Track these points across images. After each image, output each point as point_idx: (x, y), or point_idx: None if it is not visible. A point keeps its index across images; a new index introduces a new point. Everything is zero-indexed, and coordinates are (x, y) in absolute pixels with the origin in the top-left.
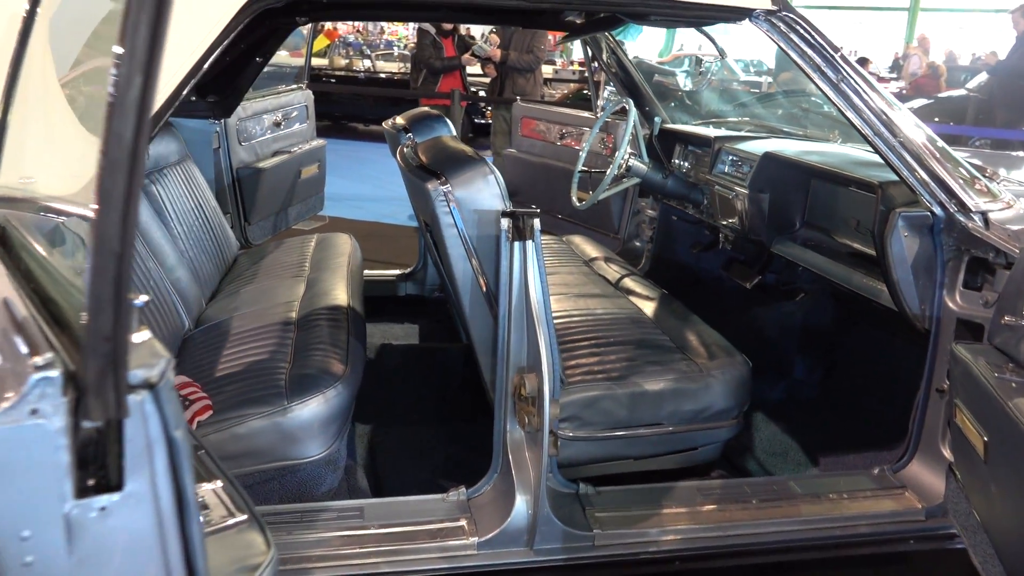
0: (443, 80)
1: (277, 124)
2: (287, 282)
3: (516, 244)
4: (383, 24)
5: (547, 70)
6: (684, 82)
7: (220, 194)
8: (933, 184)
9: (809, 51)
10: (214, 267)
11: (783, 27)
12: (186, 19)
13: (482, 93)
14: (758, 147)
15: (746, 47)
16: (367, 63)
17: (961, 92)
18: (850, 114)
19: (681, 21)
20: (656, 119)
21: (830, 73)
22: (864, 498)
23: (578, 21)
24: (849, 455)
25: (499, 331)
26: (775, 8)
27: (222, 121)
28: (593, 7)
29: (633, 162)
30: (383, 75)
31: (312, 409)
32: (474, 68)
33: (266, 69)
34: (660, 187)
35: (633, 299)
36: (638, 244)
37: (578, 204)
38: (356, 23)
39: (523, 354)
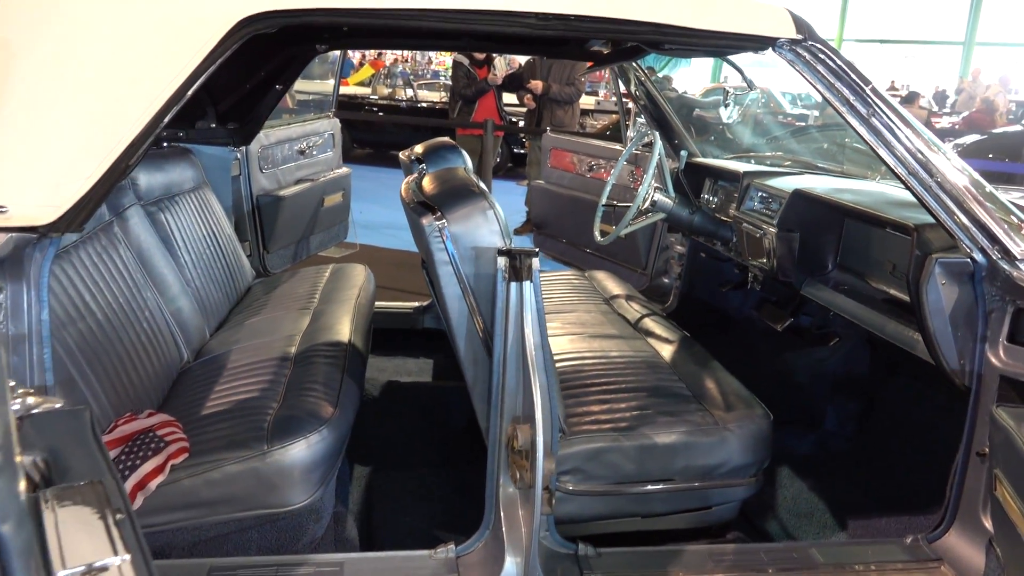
0: (479, 110)
1: (302, 152)
2: (293, 314)
3: (512, 284)
4: (431, 54)
5: (589, 101)
6: (724, 115)
7: (239, 221)
8: (974, 228)
9: (837, 83)
10: (223, 296)
11: (809, 57)
12: (167, 44)
13: (521, 123)
14: (789, 183)
15: (795, 80)
16: (410, 92)
17: (1018, 128)
18: (882, 151)
19: (701, 51)
20: (683, 152)
21: (860, 107)
22: (895, 571)
23: (604, 51)
24: (881, 519)
25: (493, 377)
26: (800, 37)
27: (244, 148)
28: (605, 35)
29: (658, 196)
30: (424, 104)
31: (294, 454)
32: (511, 98)
33: (304, 97)
34: (687, 223)
35: (652, 341)
36: (666, 281)
37: (600, 239)
38: (404, 53)
39: (518, 402)
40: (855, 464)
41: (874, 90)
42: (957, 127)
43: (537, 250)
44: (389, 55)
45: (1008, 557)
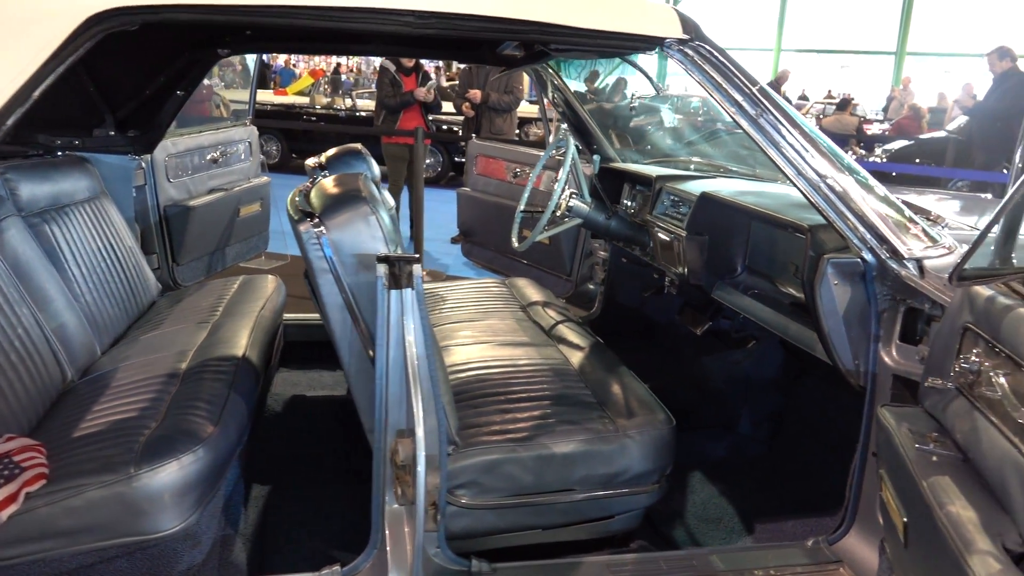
0: (404, 117)
1: (214, 161)
2: (190, 328)
3: (393, 292)
4: (376, 63)
5: (532, 109)
6: (666, 119)
7: (146, 233)
8: (862, 228)
9: (725, 84)
10: (121, 311)
11: (696, 57)
12: (7, 40)
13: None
14: (699, 187)
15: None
16: (349, 102)
17: (941, 133)
18: (771, 152)
19: (590, 52)
20: (595, 157)
21: (748, 107)
22: (794, 575)
23: (518, 55)
24: (789, 522)
25: (376, 389)
26: (687, 37)
27: (149, 157)
28: (487, 34)
29: (574, 202)
30: (364, 113)
31: (163, 477)
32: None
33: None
34: (603, 228)
35: (563, 348)
36: (591, 287)
37: (516, 245)
38: (352, 63)
39: (402, 415)
40: (767, 467)
41: (761, 90)
42: (887, 133)
43: (418, 256)
44: (337, 64)
45: (894, 557)
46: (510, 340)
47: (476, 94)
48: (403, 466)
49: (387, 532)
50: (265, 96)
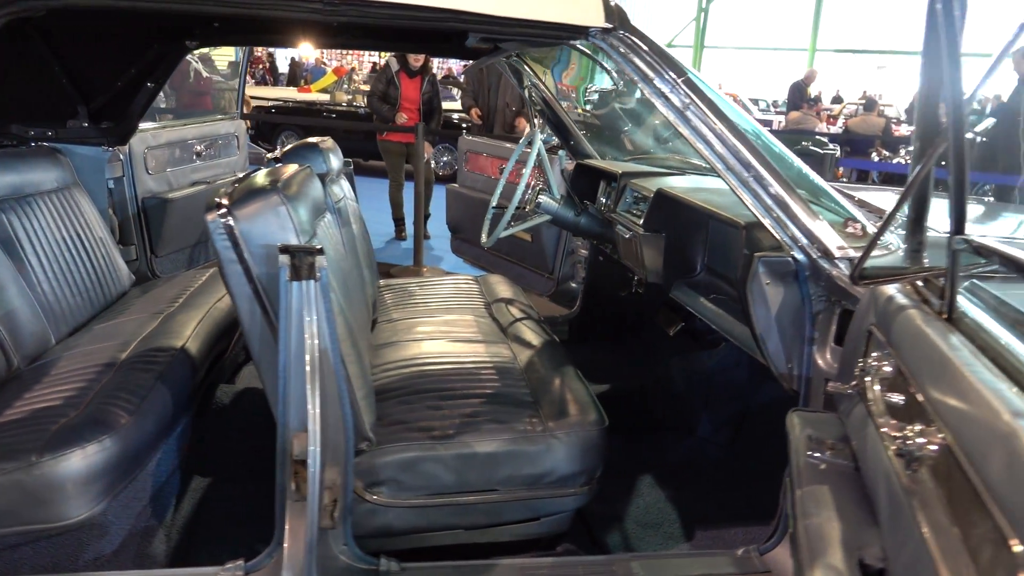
0: (401, 114)
1: (198, 154)
2: (144, 318)
3: (295, 284)
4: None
5: None
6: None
7: (124, 224)
8: (792, 226)
9: (650, 74)
10: (83, 301)
11: (622, 47)
12: None
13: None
14: (658, 184)
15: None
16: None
17: (968, 135)
18: (699, 144)
19: (513, 42)
20: (560, 153)
21: (674, 99)
22: None
23: (484, 47)
24: (732, 530)
25: (279, 382)
26: (610, 26)
27: (127, 148)
28: (401, 22)
29: (543, 198)
30: None
31: (66, 466)
32: (450, 105)
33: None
34: (573, 225)
35: (515, 346)
36: (573, 285)
37: (484, 240)
38: (375, 61)
39: (302, 409)
40: (722, 472)
41: (688, 82)
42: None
43: (321, 247)
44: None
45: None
46: (462, 337)
47: (475, 114)
48: (300, 461)
49: (287, 528)
50: (287, 93)
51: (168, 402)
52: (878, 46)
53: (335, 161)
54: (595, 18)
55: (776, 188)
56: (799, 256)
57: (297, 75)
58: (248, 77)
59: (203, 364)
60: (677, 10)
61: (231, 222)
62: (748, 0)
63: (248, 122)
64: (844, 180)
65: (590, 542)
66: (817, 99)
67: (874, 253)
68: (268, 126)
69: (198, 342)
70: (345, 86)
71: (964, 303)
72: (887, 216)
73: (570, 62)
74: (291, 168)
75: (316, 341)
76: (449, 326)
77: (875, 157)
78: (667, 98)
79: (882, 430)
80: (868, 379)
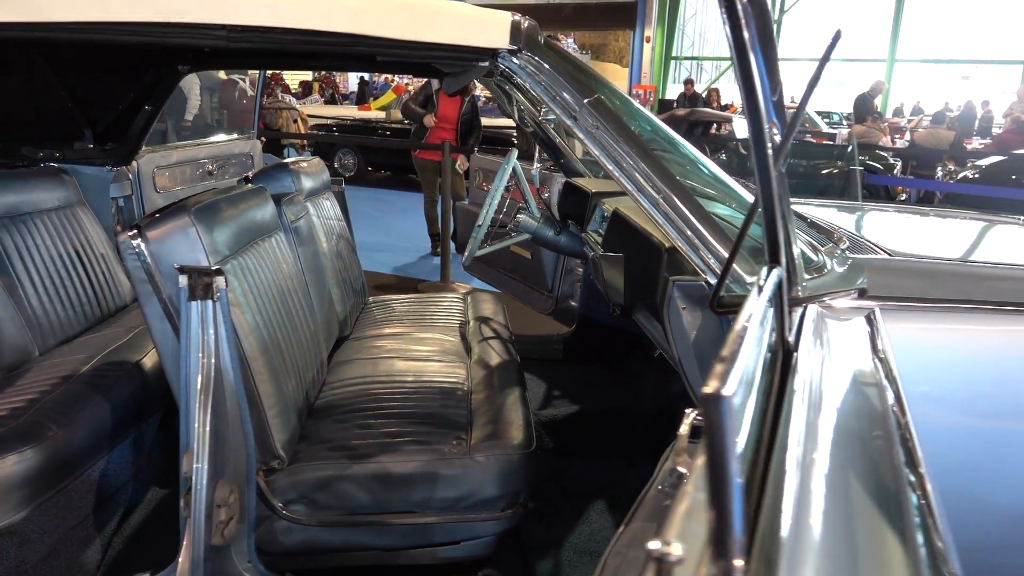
0: (433, 132)
1: (210, 173)
2: (120, 332)
3: (193, 304)
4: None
5: None
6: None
7: None
8: (705, 250)
9: (557, 95)
10: (76, 315)
11: (530, 68)
12: None
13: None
14: (621, 202)
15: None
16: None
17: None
18: (610, 166)
19: (419, 64)
20: (533, 172)
21: (582, 120)
22: None
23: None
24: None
25: (181, 400)
26: (515, 47)
27: (136, 167)
28: (301, 48)
29: (522, 216)
30: None
31: None
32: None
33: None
34: (553, 244)
35: (474, 367)
36: (573, 304)
37: (463, 259)
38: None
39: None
40: None
41: (596, 103)
42: (984, 147)
43: (218, 268)
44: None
45: None
46: (421, 356)
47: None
48: (188, 478)
49: (183, 544)
50: (346, 111)
51: (107, 415)
52: (963, 55)
53: (309, 182)
54: (500, 40)
55: (686, 212)
56: (712, 280)
57: (366, 93)
58: (318, 96)
59: (158, 378)
60: None
61: (141, 243)
62: (824, 11)
63: (304, 142)
64: (904, 199)
65: (520, 568)
66: (882, 112)
67: (808, 276)
68: (326, 144)
69: (156, 357)
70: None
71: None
72: (732, 252)
73: None
74: (231, 190)
75: (214, 360)
76: (414, 344)
77: (939, 173)
78: (575, 119)
79: None
80: None
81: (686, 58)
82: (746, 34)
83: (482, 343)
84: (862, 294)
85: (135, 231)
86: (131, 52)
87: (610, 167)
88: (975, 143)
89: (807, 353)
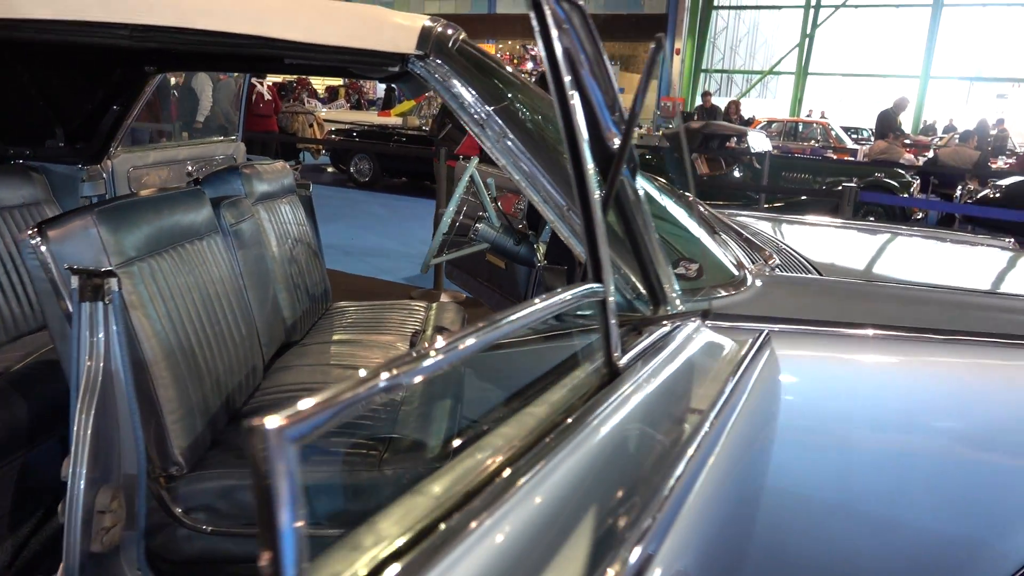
0: (467, 143)
1: (189, 174)
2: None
3: (84, 305)
4: None
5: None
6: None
7: None
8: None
9: (466, 102)
10: (31, 313)
11: (438, 74)
12: None
13: None
14: None
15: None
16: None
17: None
18: (516, 176)
19: (329, 67)
20: (489, 180)
21: (488, 128)
22: None
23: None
24: None
25: (70, 404)
26: (421, 53)
27: (110, 166)
28: (211, 48)
29: (480, 225)
30: None
31: None
32: None
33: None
34: (513, 254)
35: None
36: None
37: (422, 265)
38: None
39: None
40: None
41: (504, 111)
42: (1008, 167)
43: (111, 269)
44: None
45: None
46: (361, 362)
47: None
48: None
49: (63, 550)
50: (365, 117)
51: (25, 414)
52: (999, 74)
53: (263, 186)
54: (406, 45)
55: (591, 224)
56: (613, 296)
57: (393, 99)
58: (344, 101)
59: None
60: (783, 37)
61: (41, 243)
62: (857, 27)
63: (320, 147)
64: (919, 219)
65: None
66: (904, 129)
67: (724, 292)
68: (343, 149)
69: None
70: (422, 111)
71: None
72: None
73: None
74: (162, 192)
75: (102, 363)
76: (360, 350)
77: (958, 193)
78: (482, 126)
79: None
80: None
81: (716, 71)
82: (557, 46)
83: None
84: (705, 315)
85: (36, 230)
86: (99, 52)
87: (516, 177)
88: (1000, 163)
89: (633, 375)
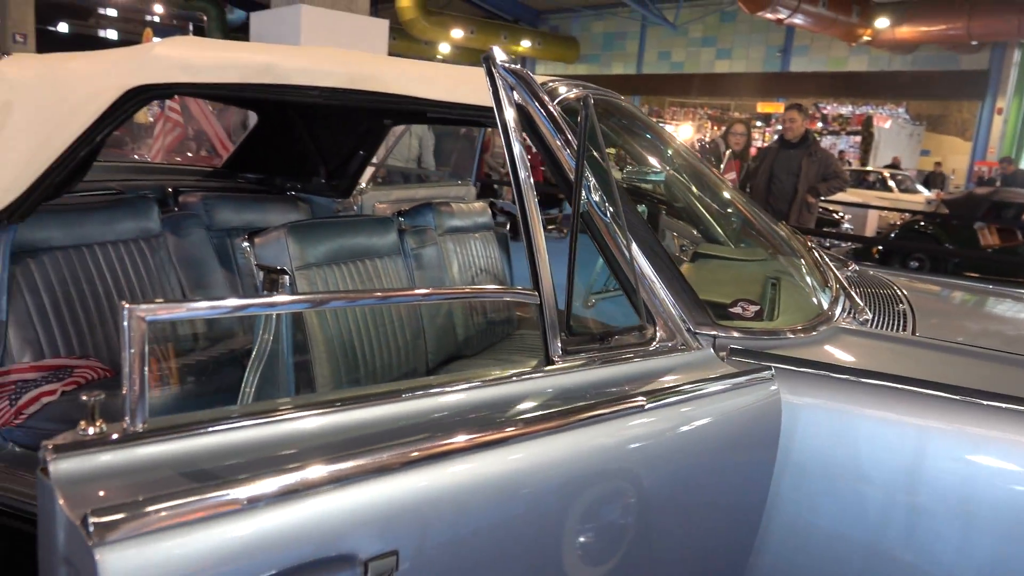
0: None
1: None
2: None
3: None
4: None
5: None
6: None
7: None
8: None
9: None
10: None
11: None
12: (79, 105)
13: None
14: None
15: None
16: None
17: None
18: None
19: (454, 121)
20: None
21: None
22: None
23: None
24: None
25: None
26: None
27: (360, 200)
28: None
29: None
30: None
31: None
32: None
33: None
34: None
35: None
36: None
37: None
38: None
39: None
40: None
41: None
42: None
43: (284, 268)
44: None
45: None
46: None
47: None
48: None
49: None
50: None
51: None
52: None
53: (455, 221)
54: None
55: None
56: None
57: None
58: None
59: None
60: None
61: (249, 247)
62: None
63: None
64: None
65: None
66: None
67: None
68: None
69: None
70: None
71: None
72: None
73: None
74: (359, 217)
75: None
76: (495, 367)
77: None
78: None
79: None
80: None
81: None
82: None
83: None
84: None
85: (246, 237)
86: (354, 109)
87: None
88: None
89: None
